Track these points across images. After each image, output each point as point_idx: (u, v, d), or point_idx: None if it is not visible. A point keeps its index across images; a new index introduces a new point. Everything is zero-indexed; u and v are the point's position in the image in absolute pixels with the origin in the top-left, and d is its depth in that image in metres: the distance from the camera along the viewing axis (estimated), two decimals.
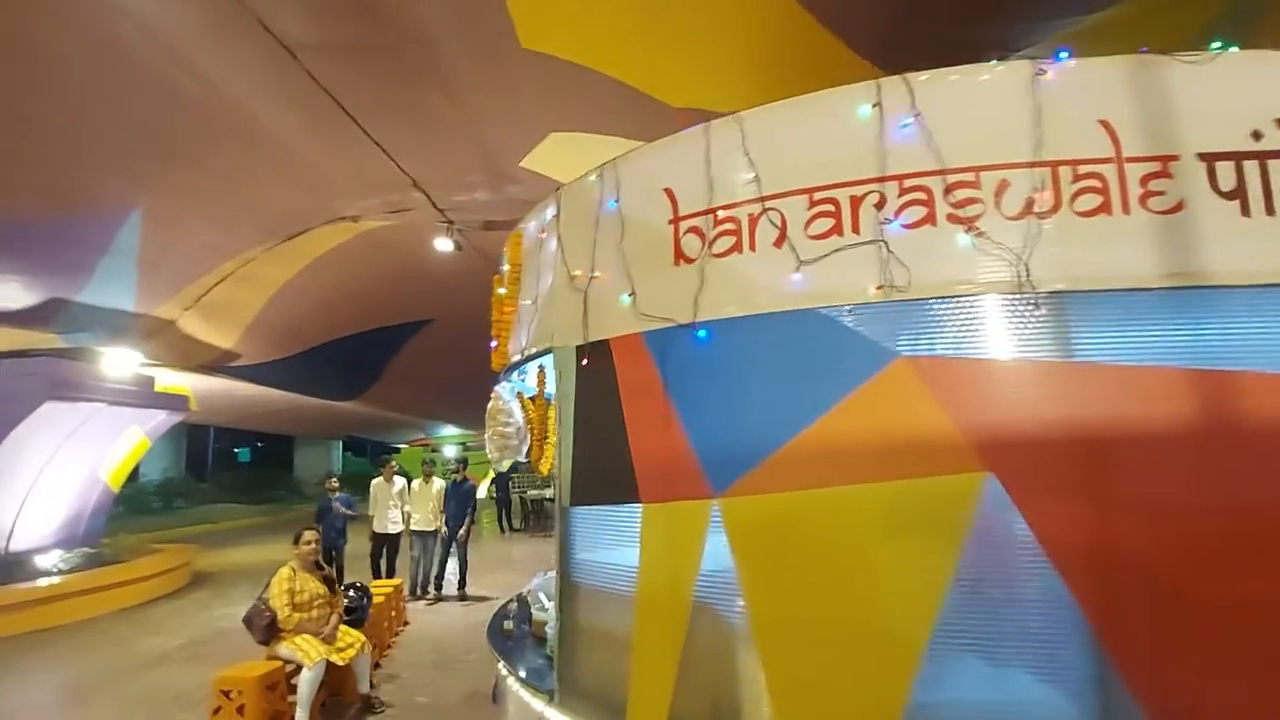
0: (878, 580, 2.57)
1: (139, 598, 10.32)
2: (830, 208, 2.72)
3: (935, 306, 2.58)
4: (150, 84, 6.45)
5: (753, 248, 2.86)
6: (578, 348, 3.37)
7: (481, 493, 18.17)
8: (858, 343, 2.66)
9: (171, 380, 14.26)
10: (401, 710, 5.71)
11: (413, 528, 9.83)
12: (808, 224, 2.76)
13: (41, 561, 10.39)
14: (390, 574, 9.72)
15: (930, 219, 2.60)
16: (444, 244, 10.38)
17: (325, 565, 6.04)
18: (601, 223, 3.36)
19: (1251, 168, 2.46)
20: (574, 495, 3.41)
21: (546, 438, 4.20)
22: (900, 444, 2.55)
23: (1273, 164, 2.45)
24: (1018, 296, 2.49)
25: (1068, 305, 2.48)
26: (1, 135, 6.72)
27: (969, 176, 2.59)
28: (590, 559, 3.37)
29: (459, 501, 9.98)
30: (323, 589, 5.70)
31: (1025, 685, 2.39)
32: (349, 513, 9.93)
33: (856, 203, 2.69)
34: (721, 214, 2.95)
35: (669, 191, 3.12)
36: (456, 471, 10.41)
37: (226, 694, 5.02)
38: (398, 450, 32.99)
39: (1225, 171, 2.47)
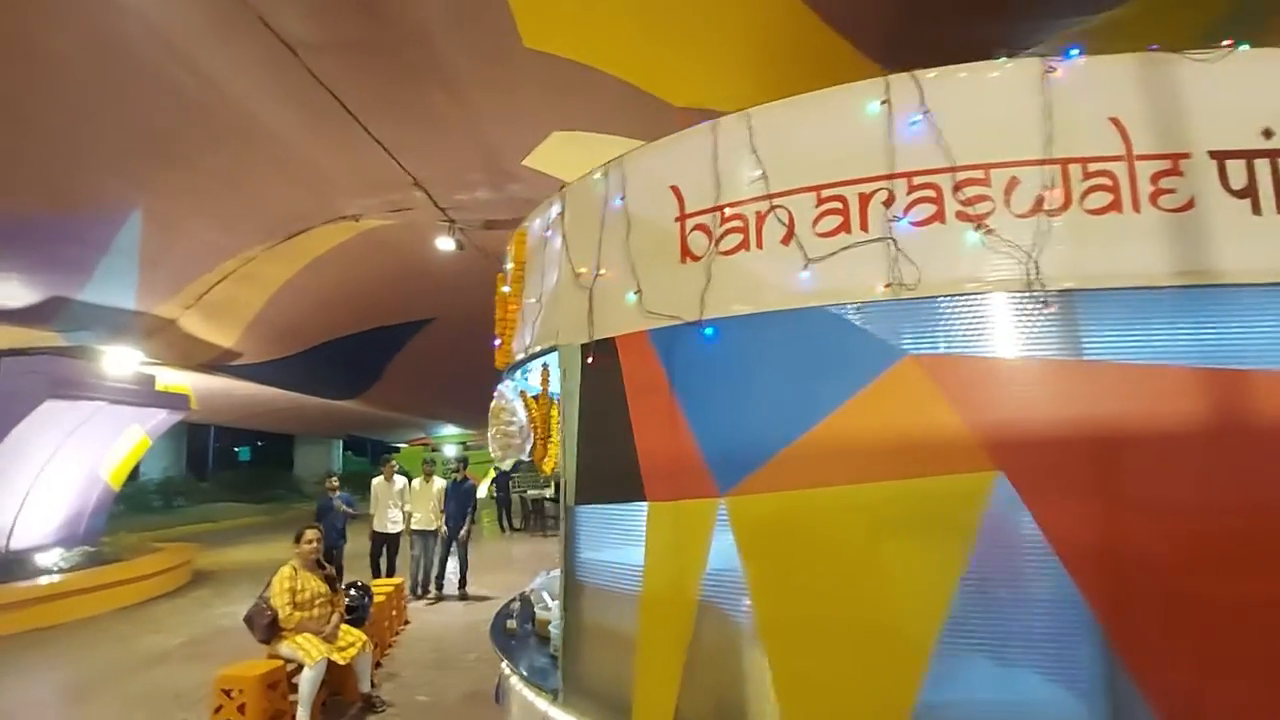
0: (886, 580, 2.55)
1: (139, 596, 10.32)
2: (839, 205, 2.71)
3: (944, 305, 2.57)
4: (151, 82, 6.45)
5: (760, 245, 2.84)
6: (583, 346, 3.36)
7: (482, 492, 18.19)
8: (866, 341, 2.65)
9: (172, 379, 14.24)
10: (402, 709, 5.70)
11: (413, 527, 9.82)
12: (816, 221, 2.74)
13: (42, 560, 10.39)
14: (391, 574, 9.70)
15: (939, 217, 2.59)
16: (445, 243, 10.37)
17: (326, 564, 6.02)
18: (607, 220, 3.34)
19: (1263, 166, 2.44)
20: (579, 494, 3.39)
21: (550, 437, 4.19)
22: (909, 443, 2.53)
23: None
24: (1027, 295, 2.47)
25: (1077, 303, 2.47)
26: (2, 134, 6.71)
27: (978, 174, 2.57)
28: (595, 558, 3.36)
29: (459, 501, 9.97)
30: (324, 588, 5.69)
31: (1034, 685, 2.38)
32: (351, 510, 9.92)
33: (865, 200, 2.67)
34: (729, 211, 2.93)
35: (675, 189, 3.10)
36: (456, 471, 10.38)
37: (228, 693, 5.02)
38: (398, 449, 33.00)
39: (1236, 170, 2.46)
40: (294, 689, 5.25)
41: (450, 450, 30.52)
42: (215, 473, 32.51)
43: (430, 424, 32.23)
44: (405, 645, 7.63)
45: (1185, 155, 2.49)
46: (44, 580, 9.66)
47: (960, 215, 2.57)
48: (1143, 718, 2.25)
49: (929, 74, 2.69)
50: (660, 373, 3.03)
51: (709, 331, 2.92)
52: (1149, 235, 2.45)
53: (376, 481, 9.99)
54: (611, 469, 3.21)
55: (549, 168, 8.34)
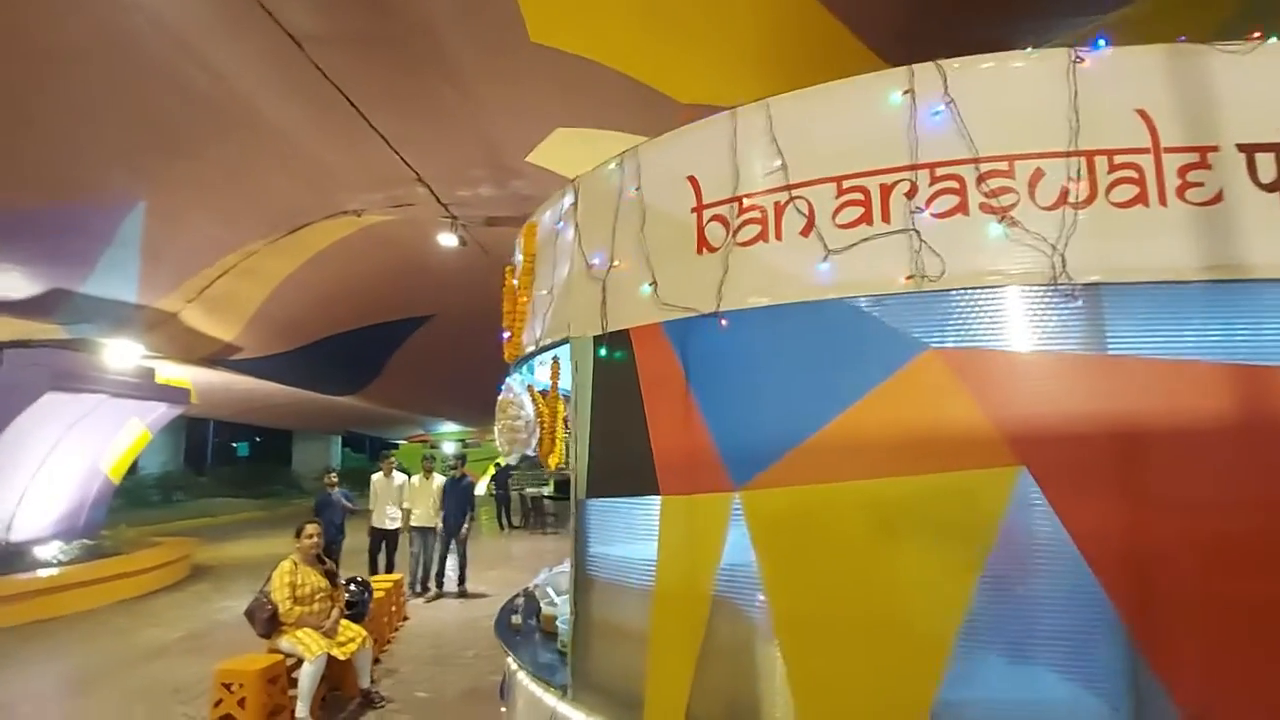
0: (904, 576, 2.51)
1: (138, 590, 10.29)
2: (860, 196, 2.66)
3: (966, 297, 2.53)
4: (156, 76, 6.43)
5: (779, 237, 2.80)
6: (595, 338, 3.32)
7: (480, 490, 18.16)
8: (886, 334, 2.61)
9: (172, 373, 14.21)
10: (402, 705, 5.68)
11: (412, 524, 9.75)
12: (836, 213, 2.70)
13: (41, 553, 10.36)
14: (389, 570, 9.66)
15: (962, 208, 2.55)
16: (448, 239, 10.35)
17: (327, 559, 5.99)
18: (621, 211, 3.30)
19: None
20: (590, 487, 3.35)
21: (556, 431, 4.16)
22: (930, 437, 2.50)
23: None
24: (1052, 288, 2.43)
25: (1103, 297, 2.43)
26: (8, 126, 6.68)
27: (1002, 165, 2.53)
28: (606, 552, 3.32)
29: (457, 498, 9.89)
30: (324, 583, 5.66)
31: (1056, 684, 2.34)
32: (350, 506, 9.89)
33: (886, 191, 2.63)
34: (747, 202, 2.89)
35: (692, 179, 3.06)
36: (455, 468, 10.32)
37: (228, 686, 4.99)
38: (396, 446, 32.98)
39: (1265, 163, 2.41)
40: (294, 684, 5.23)
41: (449, 447, 30.53)
42: (214, 468, 32.50)
43: (429, 421, 32.24)
44: (404, 641, 7.60)
45: (1213, 148, 2.45)
46: (43, 573, 9.63)
47: (984, 207, 2.53)
48: (1167, 716, 2.22)
49: (953, 64, 2.65)
50: (675, 365, 2.99)
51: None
52: (1176, 229, 2.41)
53: (376, 478, 9.95)
54: (624, 462, 3.17)
55: (552, 164, 8.32)
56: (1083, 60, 2.55)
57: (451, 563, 10.03)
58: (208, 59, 6.30)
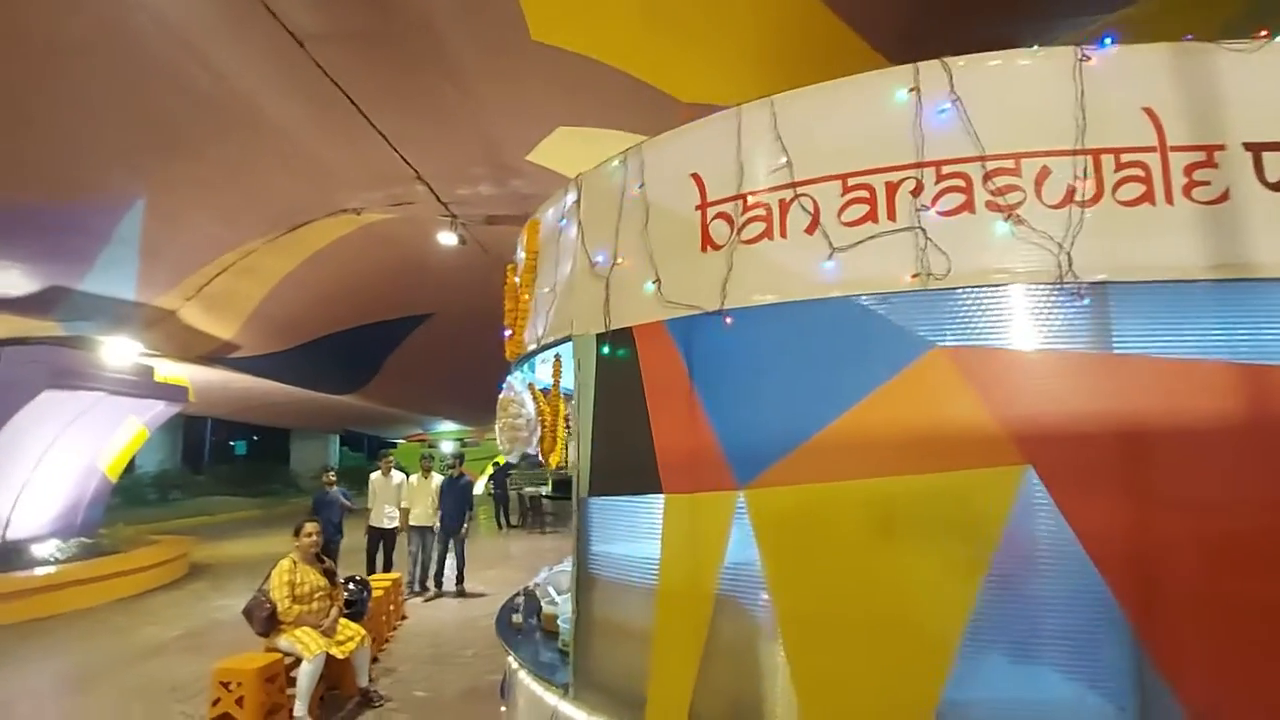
0: (909, 575, 2.50)
1: (136, 588, 10.27)
2: (865, 194, 2.66)
3: (973, 296, 2.52)
4: (157, 73, 6.41)
5: (784, 234, 2.79)
6: (598, 335, 3.31)
7: (479, 489, 18.13)
8: (891, 332, 2.60)
9: (170, 371, 14.18)
10: (400, 704, 5.66)
11: (411, 523, 9.72)
12: (841, 210, 2.69)
13: (38, 551, 10.34)
14: (388, 570, 9.63)
15: (968, 206, 2.54)
16: (448, 238, 10.33)
17: (326, 558, 5.97)
18: (625, 209, 3.29)
19: None
20: (593, 486, 3.34)
21: (558, 430, 4.14)
22: (935, 436, 2.49)
23: None
24: (1059, 286, 2.42)
25: (1109, 296, 2.42)
26: (7, 124, 6.66)
27: (1009, 163, 2.52)
28: (608, 551, 3.30)
29: (455, 497, 9.85)
30: (323, 581, 5.64)
31: (1061, 683, 2.33)
32: (349, 504, 9.87)
33: (892, 189, 2.62)
34: (751, 200, 2.88)
35: (696, 177, 3.04)
36: (452, 467, 10.28)
37: (226, 685, 4.97)
38: (395, 445, 32.92)
39: (1272, 162, 2.41)
40: (292, 682, 5.22)
41: (448, 447, 30.48)
42: (211, 466, 32.42)
43: (427, 420, 32.18)
44: (402, 641, 7.58)
45: (1220, 147, 2.44)
46: (40, 571, 9.61)
47: (990, 205, 2.52)
48: (1172, 716, 2.21)
49: (958, 61, 2.64)
50: (679, 363, 2.98)
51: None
52: (1182, 228, 2.41)
53: (374, 477, 9.92)
54: (627, 460, 3.16)
55: (553, 163, 8.31)
56: (1089, 58, 2.54)
57: (449, 562, 10.00)
58: (208, 57, 6.28)
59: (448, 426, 33.86)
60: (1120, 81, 2.53)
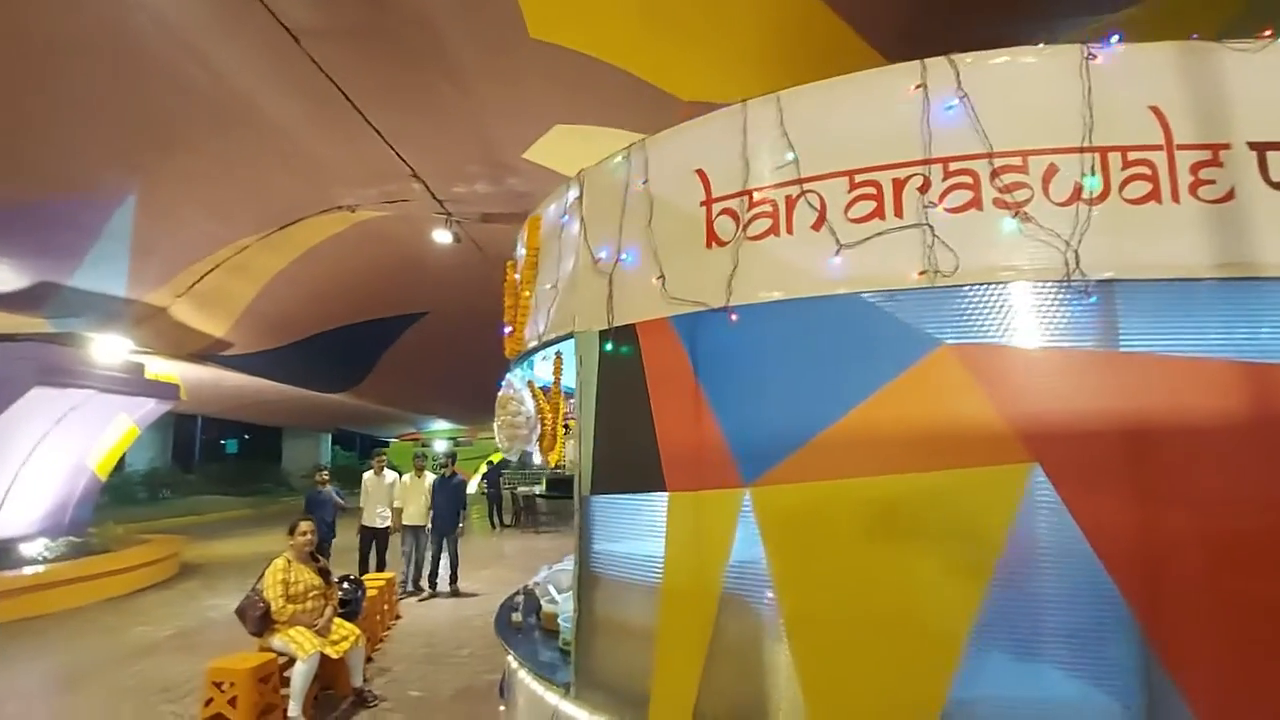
0: (916, 573, 2.49)
1: (127, 587, 10.18)
2: (872, 190, 2.65)
3: (980, 293, 2.51)
4: (151, 67, 6.36)
5: (790, 230, 2.78)
6: (601, 332, 3.29)
7: (471, 487, 18.07)
8: (898, 329, 2.59)
9: (161, 368, 14.07)
10: (395, 704, 5.63)
11: (404, 522, 9.66)
12: (848, 207, 2.69)
13: (27, 550, 10.23)
14: (381, 569, 9.58)
15: (976, 203, 2.53)
16: (443, 236, 10.28)
17: (320, 557, 5.92)
18: (628, 204, 3.27)
19: None
20: (595, 484, 3.31)
21: (558, 428, 4.12)
22: (943, 433, 2.48)
23: None
24: (1066, 284, 2.42)
25: (1116, 294, 2.42)
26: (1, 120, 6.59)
27: (1016, 160, 2.52)
28: (611, 549, 3.28)
29: (447, 497, 9.77)
30: (318, 580, 5.60)
31: (1068, 681, 2.33)
32: (342, 503, 9.82)
33: (899, 185, 2.62)
34: (757, 195, 2.87)
35: (701, 173, 3.03)
36: (445, 466, 10.20)
37: (219, 685, 4.92)
38: (387, 444, 32.81)
39: (1277, 161, 2.42)
40: (286, 682, 5.18)
41: (441, 446, 30.38)
42: (202, 465, 32.18)
43: (421, 419, 32.08)
44: (397, 640, 7.54)
45: (1225, 146, 2.45)
46: (29, 570, 9.50)
47: (998, 202, 2.51)
48: (1179, 714, 2.21)
49: (965, 58, 2.63)
50: (683, 359, 2.96)
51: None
52: (1188, 226, 2.41)
53: (367, 476, 9.85)
54: (630, 458, 3.14)
55: (550, 161, 8.28)
56: (1095, 56, 2.54)
57: (443, 561, 9.94)
58: (202, 52, 6.22)
59: (441, 425, 33.77)
60: (1127, 80, 2.53)
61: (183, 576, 11.59)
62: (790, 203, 2.78)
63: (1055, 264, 2.43)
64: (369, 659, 6.35)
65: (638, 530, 3.12)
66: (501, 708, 4.44)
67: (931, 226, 2.55)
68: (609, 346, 3.25)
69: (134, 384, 12.34)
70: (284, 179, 8.85)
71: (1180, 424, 2.32)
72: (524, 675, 3.71)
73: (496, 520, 19.08)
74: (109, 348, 11.72)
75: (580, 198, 3.59)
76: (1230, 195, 2.42)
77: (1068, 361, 2.44)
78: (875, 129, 2.71)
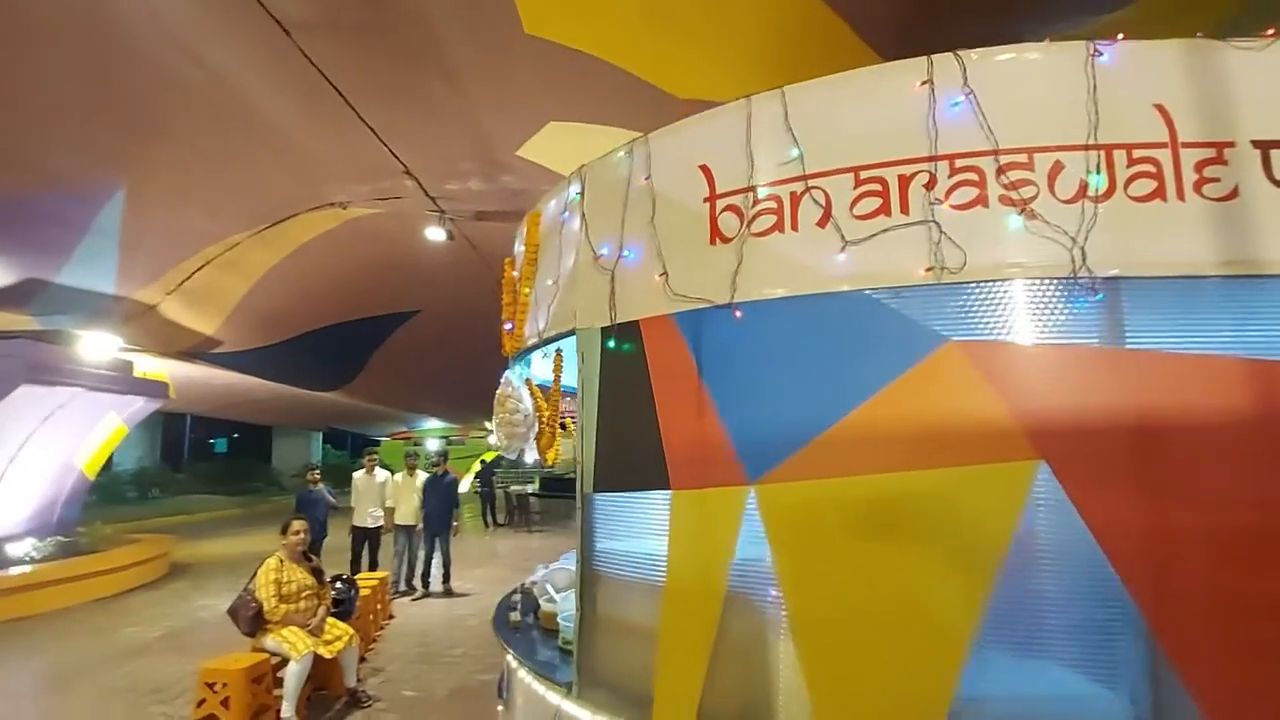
0: (922, 571, 2.48)
1: (116, 588, 10.12)
2: (878, 187, 2.63)
3: (986, 290, 2.50)
4: (139, 61, 6.28)
5: (795, 227, 2.76)
6: (603, 329, 3.26)
7: (464, 487, 18.00)
8: (904, 326, 2.58)
9: (150, 366, 13.95)
10: (389, 704, 5.61)
11: (396, 521, 9.59)
12: (854, 203, 2.67)
13: (14, 550, 10.12)
14: (373, 569, 9.52)
15: (982, 200, 2.52)
16: (436, 233, 10.22)
17: (313, 556, 5.88)
18: (630, 200, 3.24)
19: None
20: (598, 482, 3.29)
21: (555, 425, 4.10)
22: (949, 430, 2.47)
23: None
24: (1073, 281, 2.42)
25: (1122, 291, 2.42)
26: None
27: (1022, 157, 2.51)
28: (614, 547, 3.26)
29: (439, 495, 9.70)
30: (311, 580, 5.57)
31: (1076, 679, 2.33)
32: (334, 502, 9.75)
33: (905, 182, 2.60)
34: (762, 192, 2.85)
35: (705, 168, 3.01)
36: (437, 465, 10.15)
37: (211, 686, 4.90)
38: (379, 443, 32.68)
39: None
40: (279, 683, 5.15)
41: (433, 444, 30.29)
42: (191, 464, 32.02)
43: (412, 418, 31.96)
44: (390, 640, 7.51)
45: (1229, 144, 2.45)
46: (16, 570, 9.40)
47: (1004, 199, 2.51)
48: (1186, 711, 2.21)
49: (971, 54, 2.63)
50: (687, 357, 2.94)
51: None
52: (1193, 224, 2.41)
53: (358, 475, 9.78)
54: (633, 456, 3.11)
55: (544, 159, 8.25)
56: (1100, 54, 2.54)
57: (436, 561, 9.89)
58: (192, 45, 6.15)
59: (433, 424, 33.66)
60: (1131, 77, 2.53)
61: (172, 577, 11.51)
62: (795, 199, 2.77)
63: (1061, 261, 2.43)
64: (362, 659, 6.31)
65: (641, 528, 3.10)
66: (500, 708, 4.42)
67: (938, 223, 2.54)
68: (611, 343, 3.22)
69: (122, 382, 12.25)
70: (276, 175, 8.77)
71: (1187, 421, 2.32)
72: (524, 675, 3.68)
73: (489, 519, 19.03)
74: (97, 345, 11.62)
75: (582, 194, 3.56)
76: (1235, 193, 2.41)
77: (1074, 358, 2.43)
78: (881, 125, 2.70)
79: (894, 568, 2.52)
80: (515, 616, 4.35)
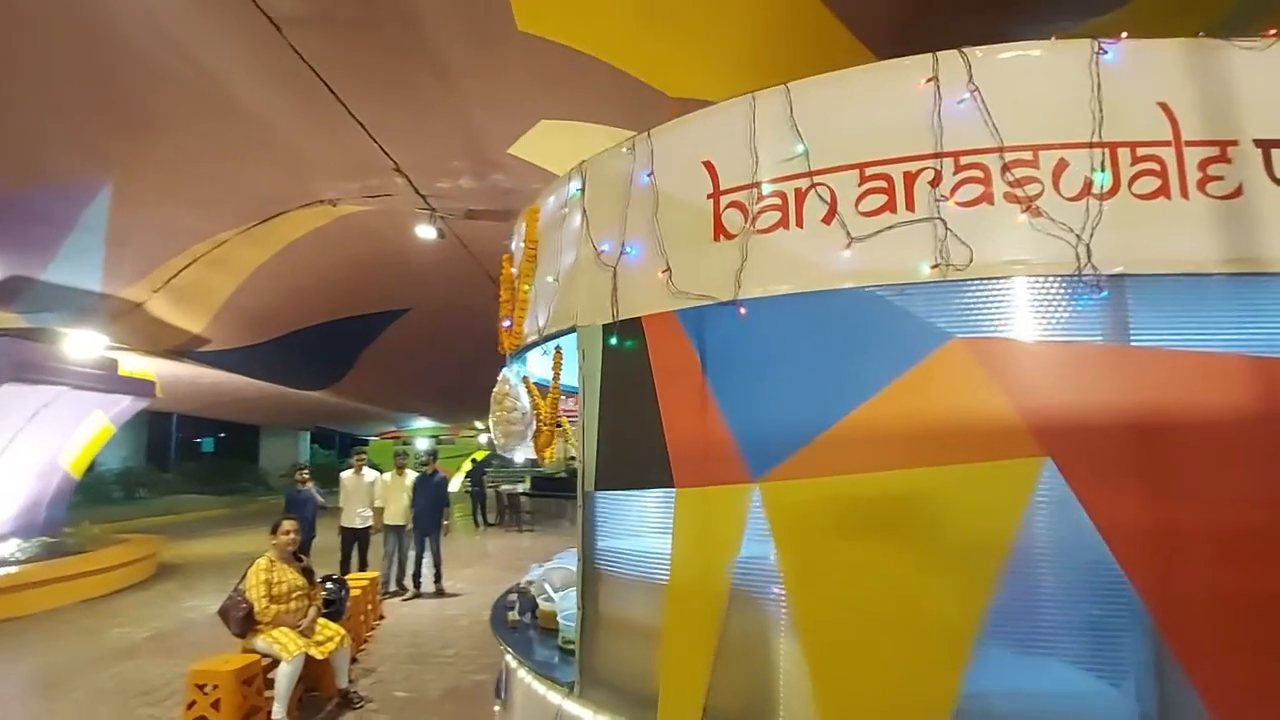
0: (927, 568, 2.48)
1: (104, 588, 10.00)
2: (883, 184, 2.63)
3: (991, 287, 2.51)
4: (127, 55, 6.21)
5: (800, 224, 2.75)
6: (605, 326, 3.24)
7: (454, 486, 17.92)
8: (909, 323, 2.57)
9: (136, 365, 13.80)
10: (380, 705, 5.57)
11: (386, 521, 9.50)
12: (859, 200, 2.66)
13: None
14: (363, 569, 9.44)
15: (987, 197, 2.52)
16: (426, 231, 10.16)
17: (304, 556, 5.83)
18: (633, 197, 3.22)
19: None
20: (599, 480, 3.27)
21: (553, 423, 4.07)
22: (955, 427, 2.47)
23: None
24: (1078, 278, 2.42)
25: (1127, 288, 2.43)
26: None
27: (1027, 155, 2.52)
28: (616, 546, 3.24)
29: (429, 496, 9.61)
30: (301, 580, 5.52)
31: (1081, 675, 2.34)
32: (323, 502, 9.68)
33: (910, 179, 2.60)
34: (767, 188, 2.84)
35: (708, 164, 2.99)
36: (426, 464, 10.06)
37: (201, 688, 4.84)
38: (367, 442, 32.48)
39: None
40: (270, 684, 5.11)
41: (423, 444, 30.12)
42: (178, 464, 31.73)
43: (402, 417, 31.79)
44: (381, 641, 7.46)
45: (1233, 142, 2.46)
46: (2, 571, 9.27)
47: (1009, 197, 2.51)
48: (1192, 708, 2.22)
49: (976, 52, 2.63)
50: (691, 354, 2.92)
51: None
52: (1197, 222, 2.42)
53: (346, 475, 9.68)
54: (636, 454, 3.10)
55: (535, 157, 8.21)
56: (1105, 52, 2.55)
57: (426, 561, 9.82)
58: (181, 40, 6.08)
59: (422, 424, 33.49)
60: (1135, 76, 2.54)
61: (160, 577, 11.39)
62: (800, 195, 2.76)
63: (1066, 258, 2.43)
64: (354, 660, 6.27)
65: (643, 527, 3.09)
66: (497, 708, 4.39)
67: (943, 220, 2.53)
68: (613, 340, 3.21)
69: (108, 381, 12.12)
70: (264, 171, 8.69)
71: (1192, 418, 2.33)
72: (524, 675, 3.65)
73: (480, 519, 18.95)
74: (83, 343, 11.47)
75: (582, 190, 3.54)
76: (1238, 191, 2.43)
77: (1079, 356, 2.44)
78: (886, 122, 2.69)
79: (899, 565, 2.52)
80: (513, 616, 4.32)
